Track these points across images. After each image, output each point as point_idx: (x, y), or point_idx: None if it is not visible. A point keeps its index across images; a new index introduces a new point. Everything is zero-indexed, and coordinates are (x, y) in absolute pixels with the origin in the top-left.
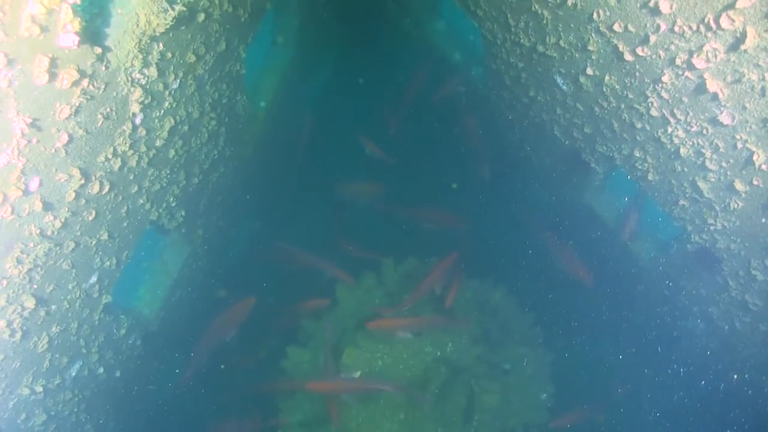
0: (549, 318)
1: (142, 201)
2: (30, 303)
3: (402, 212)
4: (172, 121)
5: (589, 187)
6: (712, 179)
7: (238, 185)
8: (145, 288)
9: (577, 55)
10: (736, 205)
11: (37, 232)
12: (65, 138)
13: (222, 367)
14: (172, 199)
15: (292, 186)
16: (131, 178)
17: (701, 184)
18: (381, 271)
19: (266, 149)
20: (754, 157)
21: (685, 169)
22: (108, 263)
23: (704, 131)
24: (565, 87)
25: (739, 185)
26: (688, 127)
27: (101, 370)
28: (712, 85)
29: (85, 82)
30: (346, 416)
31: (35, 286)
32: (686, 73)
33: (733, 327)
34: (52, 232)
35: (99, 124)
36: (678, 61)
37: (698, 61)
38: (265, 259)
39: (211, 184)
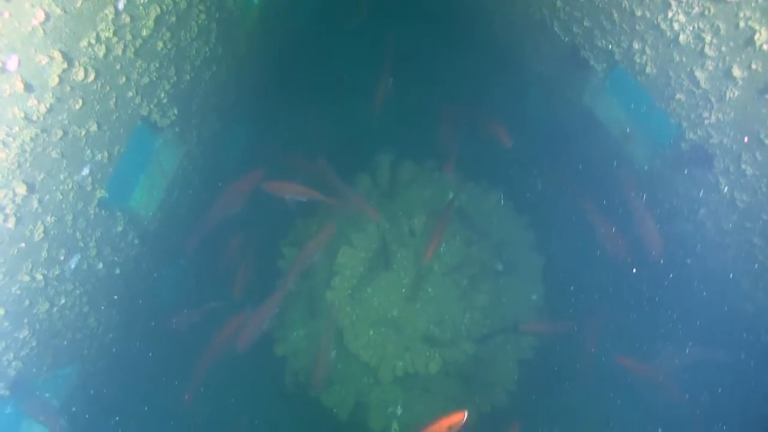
0: (543, 222)
1: (131, 94)
2: (21, 189)
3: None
4: (158, 10)
5: (589, 88)
6: (710, 67)
7: (232, 86)
8: (140, 189)
9: None
10: (732, 94)
11: (21, 115)
12: (41, 15)
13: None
14: (163, 95)
15: (291, 89)
16: (118, 68)
17: (699, 74)
18: (376, 172)
19: (261, 49)
20: (756, 37)
21: (684, 59)
22: (99, 156)
23: (706, 12)
24: None
25: (736, 71)
26: (690, 9)
27: (100, 265)
28: None
29: None
30: (340, 315)
31: (25, 173)
32: None
33: (720, 228)
34: (38, 117)
35: (78, 5)
36: None
37: None
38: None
39: (204, 83)
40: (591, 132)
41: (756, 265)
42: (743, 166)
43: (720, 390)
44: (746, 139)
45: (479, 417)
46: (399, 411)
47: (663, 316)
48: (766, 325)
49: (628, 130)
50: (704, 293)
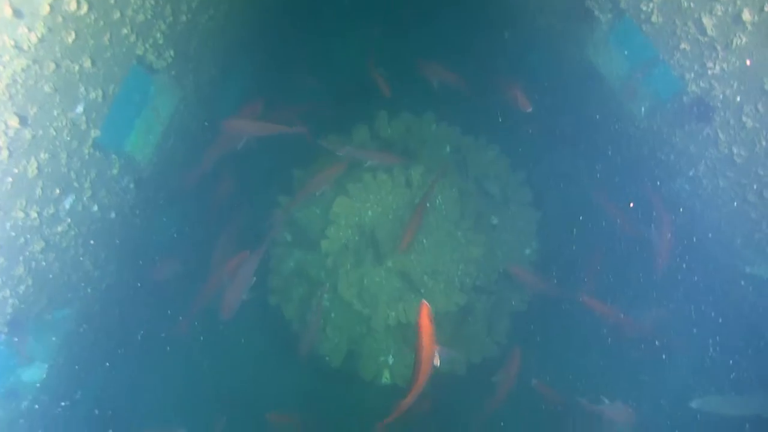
0: (540, 178)
1: (126, 31)
2: (13, 122)
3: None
4: None
5: (592, 41)
6: (719, 12)
7: (230, 32)
8: (136, 133)
9: None
10: (739, 41)
11: (12, 43)
12: None
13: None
14: (159, 35)
15: (290, 38)
16: (112, 1)
17: (706, 21)
18: (374, 123)
19: None
20: None
21: (692, 4)
22: (93, 95)
23: None
24: None
25: (747, 15)
26: None
27: (95, 207)
28: None
29: None
30: (334, 263)
31: (17, 105)
32: None
33: (717, 185)
34: (29, 47)
35: None
36: None
37: None
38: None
39: (201, 26)
40: (592, 87)
41: (748, 223)
42: (744, 119)
43: (712, 345)
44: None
45: (470, 367)
46: (391, 360)
47: (656, 272)
48: (756, 284)
49: (630, 85)
50: (699, 250)
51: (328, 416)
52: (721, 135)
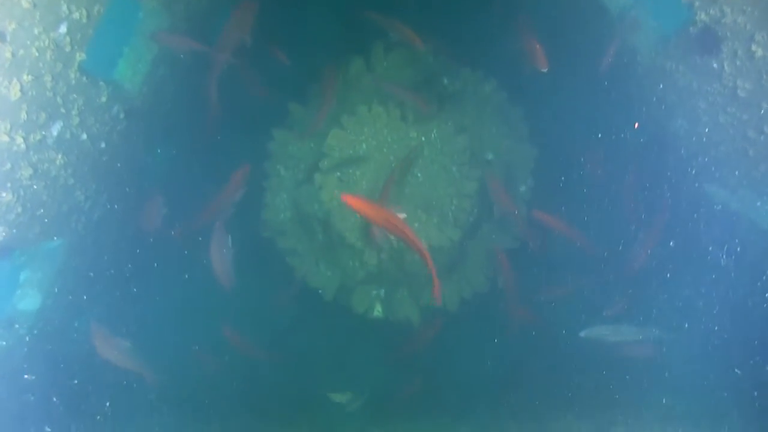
0: (537, 115)
1: None
2: None
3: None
4: None
5: None
6: None
7: None
8: (125, 61)
9: None
10: None
11: None
12: None
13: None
14: None
15: None
16: None
17: None
18: (370, 56)
19: None
20: None
21: None
22: (77, 15)
23: None
24: None
25: None
26: None
27: (84, 136)
28: None
29: None
30: (327, 197)
31: None
32: None
33: (716, 122)
34: None
35: None
36: None
37: None
38: None
39: None
40: (595, 19)
41: (745, 162)
42: (753, 48)
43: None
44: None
45: (461, 302)
46: (383, 294)
47: (648, 209)
48: (746, 224)
49: (634, 16)
50: (692, 188)
51: (320, 349)
52: (726, 67)
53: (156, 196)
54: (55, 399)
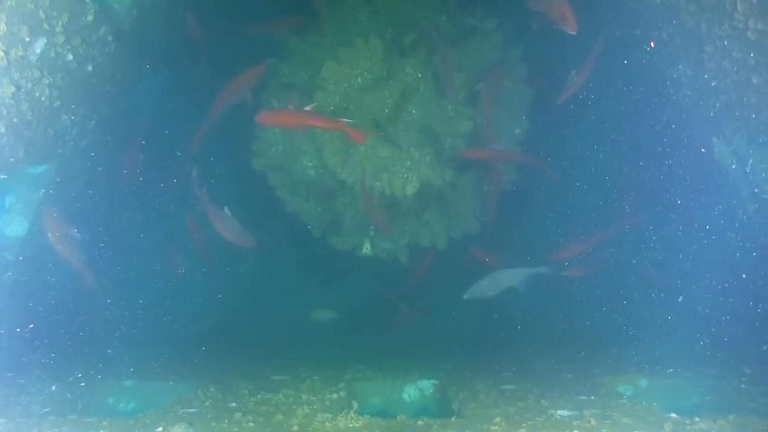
0: (536, 57)
1: None
2: None
3: None
4: None
5: None
6: None
7: None
8: None
9: None
10: None
11: None
12: None
13: None
14: None
15: None
16: None
17: None
18: None
19: None
20: None
21: None
22: None
23: None
24: None
25: None
26: None
27: (70, 56)
28: None
29: None
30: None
31: None
32: None
33: (720, 67)
34: None
35: None
36: None
37: None
38: None
39: None
40: None
41: (747, 109)
42: None
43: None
44: None
45: (450, 242)
46: (371, 231)
47: (640, 157)
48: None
49: None
50: (686, 138)
51: (308, 284)
52: (739, 5)
53: (134, 147)
54: (41, 325)
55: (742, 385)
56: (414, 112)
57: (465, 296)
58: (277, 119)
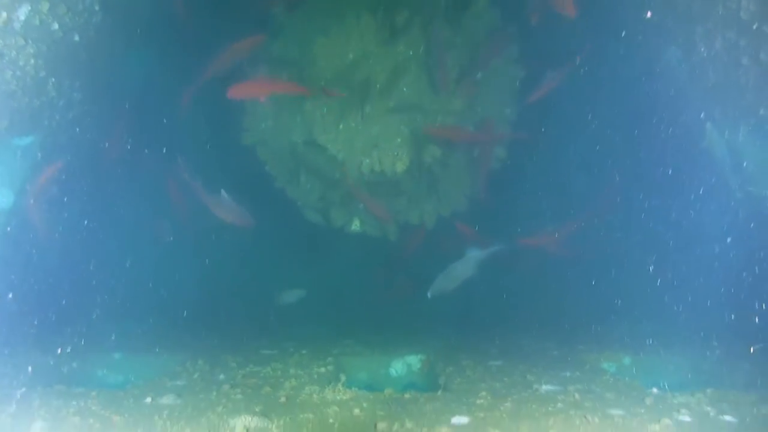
0: (527, 36)
1: None
2: None
3: None
4: None
5: None
6: None
7: None
8: None
9: None
10: None
11: None
12: None
13: None
14: None
15: None
16: None
17: None
18: None
19: None
20: None
21: None
22: None
23: None
24: None
25: None
26: None
27: (56, 25)
28: None
29: None
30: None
31: None
32: None
33: (711, 48)
34: None
35: None
36: None
37: None
38: None
39: None
40: None
41: (736, 90)
42: None
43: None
44: None
45: (439, 220)
46: (361, 207)
47: (634, 139)
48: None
49: None
50: (680, 117)
51: (298, 259)
52: None
53: (118, 126)
54: (28, 297)
55: (719, 361)
56: (405, 90)
57: (428, 294)
58: (245, 90)
